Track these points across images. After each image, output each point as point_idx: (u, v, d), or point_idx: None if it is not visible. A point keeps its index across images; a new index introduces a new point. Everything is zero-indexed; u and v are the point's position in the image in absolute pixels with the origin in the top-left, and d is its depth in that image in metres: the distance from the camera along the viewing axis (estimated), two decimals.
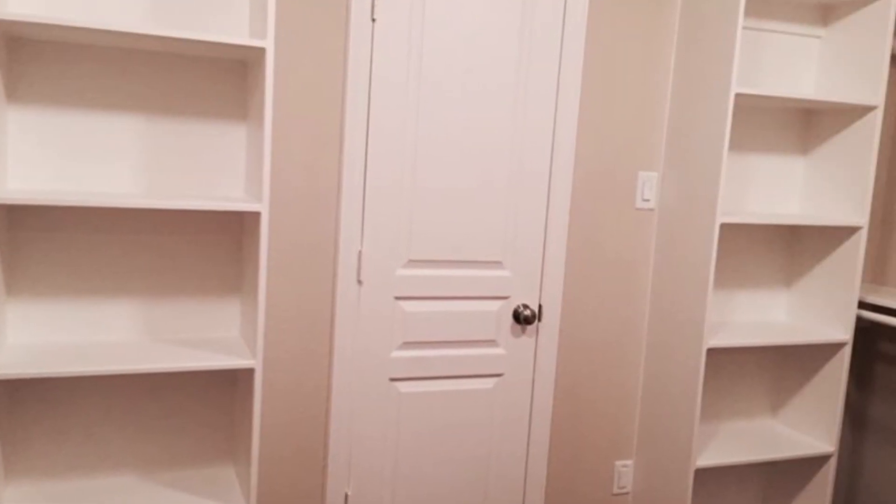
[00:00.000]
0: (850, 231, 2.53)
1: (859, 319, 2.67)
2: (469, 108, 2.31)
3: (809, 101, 2.41)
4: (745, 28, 2.57)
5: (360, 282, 2.26)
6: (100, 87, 1.94)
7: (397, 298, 2.31)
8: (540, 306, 2.49)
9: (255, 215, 1.91)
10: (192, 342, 2.04)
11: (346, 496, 2.33)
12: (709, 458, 2.45)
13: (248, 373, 1.96)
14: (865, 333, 2.86)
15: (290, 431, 2.26)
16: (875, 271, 2.93)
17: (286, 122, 2.14)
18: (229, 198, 1.99)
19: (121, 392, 2.06)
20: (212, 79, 2.04)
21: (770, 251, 2.74)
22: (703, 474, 2.77)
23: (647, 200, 2.59)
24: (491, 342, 2.44)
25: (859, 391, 2.89)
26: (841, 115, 2.57)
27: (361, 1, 2.15)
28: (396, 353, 2.34)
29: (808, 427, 2.69)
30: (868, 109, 2.46)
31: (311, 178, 2.19)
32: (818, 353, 2.65)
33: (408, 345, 2.34)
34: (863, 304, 2.65)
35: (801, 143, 2.72)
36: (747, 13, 2.56)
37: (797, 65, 2.65)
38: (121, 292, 2.02)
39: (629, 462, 2.71)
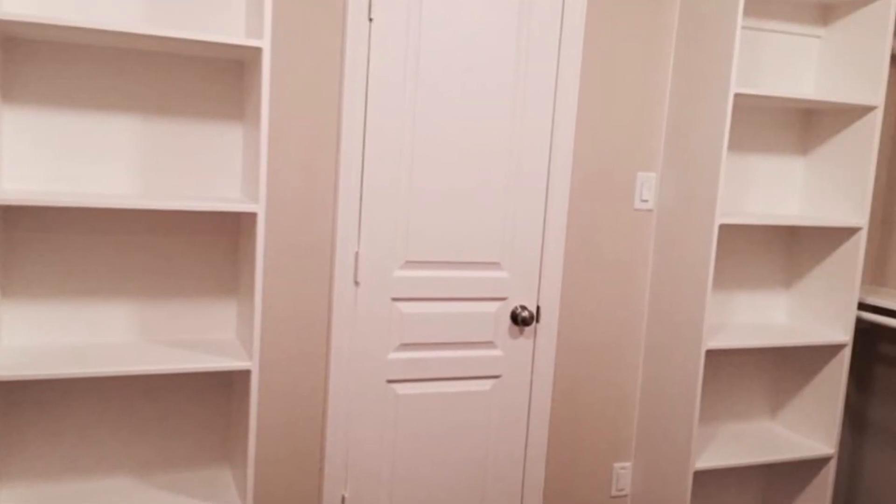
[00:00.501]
0: (850, 232, 2.52)
1: (859, 321, 2.66)
2: (467, 108, 2.30)
3: (809, 102, 2.41)
4: (744, 28, 2.56)
5: (356, 283, 2.25)
6: (96, 87, 1.93)
7: (394, 300, 2.30)
8: (538, 307, 2.48)
9: (252, 216, 1.90)
10: (188, 344, 2.03)
11: (343, 498, 2.32)
12: (708, 460, 2.44)
13: (245, 374, 1.95)
14: (865, 335, 2.85)
15: (287, 433, 2.25)
16: (875, 272, 2.92)
17: (283, 122, 2.14)
18: (226, 198, 1.98)
19: (116, 394, 2.05)
20: (208, 79, 2.03)
21: (769, 252, 2.73)
22: (701, 476, 2.76)
23: (646, 201, 2.58)
24: (489, 344, 2.44)
25: (859, 393, 2.88)
26: (841, 116, 2.56)
27: (358, 0, 2.14)
28: (393, 355, 2.33)
29: (807, 429, 2.67)
30: (868, 109, 2.45)
31: (307, 178, 2.18)
32: (818, 355, 2.64)
33: (405, 346, 2.33)
34: (862, 306, 2.64)
35: (801, 144, 2.71)
36: (747, 13, 2.55)
37: (797, 65, 2.64)
38: (116, 293, 2.01)
39: (627, 464, 2.70)
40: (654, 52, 2.53)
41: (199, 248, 2.08)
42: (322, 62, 2.15)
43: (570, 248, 2.51)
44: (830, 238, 2.60)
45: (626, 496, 2.72)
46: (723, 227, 2.66)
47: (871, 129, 2.44)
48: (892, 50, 2.51)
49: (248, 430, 1.90)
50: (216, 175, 2.07)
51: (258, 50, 1.81)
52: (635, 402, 2.69)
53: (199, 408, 2.14)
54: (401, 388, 2.35)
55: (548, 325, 2.49)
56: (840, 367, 2.55)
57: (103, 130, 1.95)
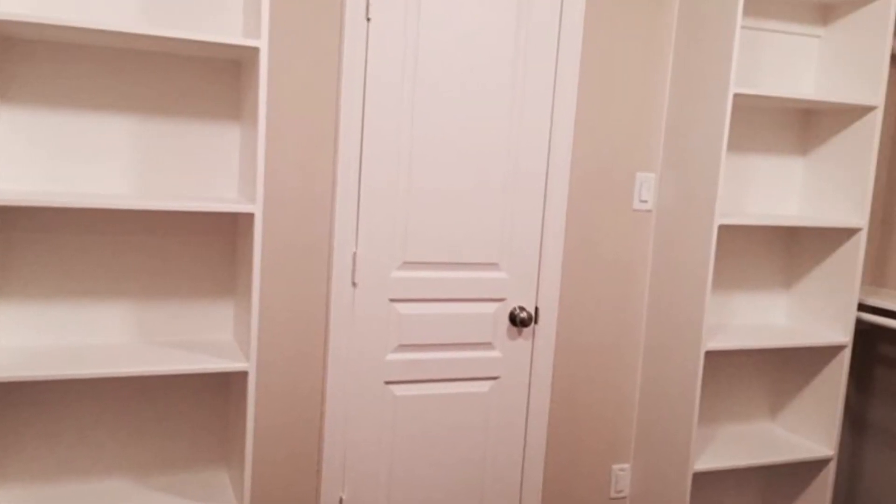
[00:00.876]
0: (850, 232, 2.51)
1: (859, 322, 2.65)
2: (465, 108, 2.30)
3: (809, 102, 2.40)
4: (743, 27, 2.55)
5: (354, 284, 2.25)
6: (92, 87, 1.92)
7: (392, 300, 2.30)
8: (536, 308, 2.47)
9: (249, 216, 1.89)
10: (185, 345, 2.03)
11: (341, 500, 2.32)
12: (707, 461, 2.43)
13: (242, 376, 1.95)
14: (865, 336, 2.84)
15: (284, 435, 2.25)
16: (875, 273, 2.91)
17: (280, 122, 2.13)
18: (223, 199, 1.98)
19: (113, 395, 2.04)
20: (205, 79, 2.02)
21: (769, 253, 2.72)
22: (701, 478, 2.75)
23: (645, 202, 2.57)
24: (487, 345, 2.43)
25: (859, 394, 2.87)
26: (840, 116, 2.55)
27: (356, 0, 2.13)
28: (391, 356, 2.32)
29: (807, 430, 2.67)
30: (868, 109, 2.44)
31: (305, 178, 2.17)
32: (817, 356, 2.63)
33: (403, 347, 2.33)
34: (862, 307, 2.63)
35: (801, 144, 2.70)
36: (746, 12, 2.54)
37: (796, 65, 2.63)
38: (113, 294, 2.01)
39: (626, 466, 2.69)
40: (654, 52, 2.52)
41: (196, 248, 2.07)
42: (320, 62, 2.15)
43: (569, 248, 2.50)
44: (830, 239, 2.59)
45: (624, 498, 2.71)
46: (722, 228, 2.65)
47: (870, 130, 2.43)
48: (892, 50, 2.50)
49: (246, 432, 1.90)
50: (213, 175, 2.06)
51: (255, 50, 1.80)
52: (634, 403, 2.68)
53: (197, 409, 2.13)
54: (399, 390, 2.35)
55: (546, 326, 2.49)
56: (840, 369, 2.55)
57: (100, 130, 1.95)
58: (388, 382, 2.33)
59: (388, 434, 2.35)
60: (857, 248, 2.48)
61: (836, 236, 2.56)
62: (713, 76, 2.30)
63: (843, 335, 2.53)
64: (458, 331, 2.37)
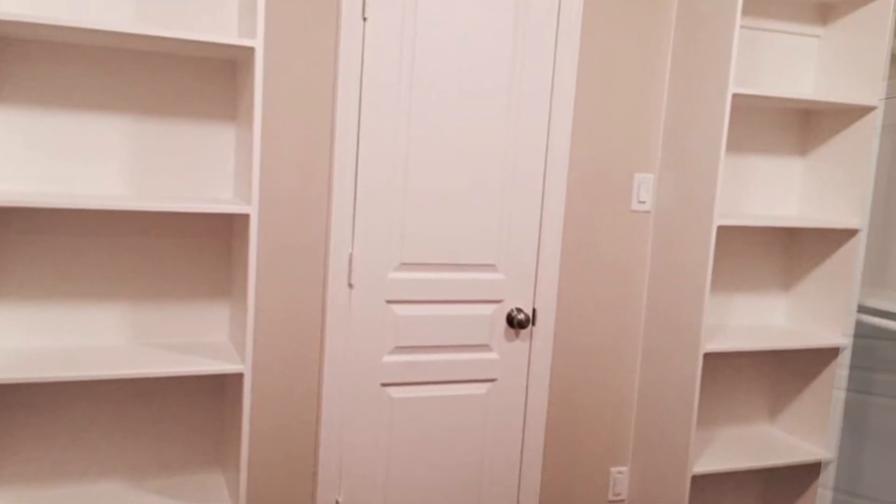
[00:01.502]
0: (849, 233, 2.50)
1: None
2: (462, 108, 2.29)
3: (808, 102, 2.39)
4: (742, 27, 2.55)
5: (351, 285, 2.24)
6: (87, 87, 1.92)
7: (389, 302, 2.29)
8: (534, 310, 2.46)
9: (245, 217, 1.88)
10: (180, 346, 2.02)
11: (337, 503, 2.31)
12: (705, 464, 2.42)
13: (238, 378, 1.94)
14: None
15: (280, 437, 2.24)
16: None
17: (276, 122, 2.12)
18: (218, 200, 1.97)
19: (108, 397, 2.03)
20: (201, 79, 2.01)
21: (768, 254, 2.71)
22: (699, 481, 2.74)
23: (643, 202, 2.56)
24: (484, 346, 2.42)
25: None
26: (840, 116, 2.54)
27: None
28: (388, 358, 2.31)
29: (806, 433, 2.66)
30: (867, 110, 2.44)
31: (301, 179, 2.16)
32: (817, 358, 2.63)
33: (400, 349, 2.32)
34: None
35: (800, 144, 2.69)
36: (745, 12, 2.54)
37: (796, 65, 2.62)
38: (108, 296, 2.00)
39: (625, 468, 2.68)
40: (652, 52, 2.51)
41: (191, 249, 2.06)
42: (316, 62, 2.14)
43: (567, 249, 2.49)
44: (829, 240, 2.58)
45: (622, 500, 2.70)
46: (721, 229, 2.64)
47: (870, 130, 2.42)
48: (892, 50, 2.49)
49: (241, 434, 1.89)
50: (209, 176, 2.05)
51: (251, 50, 1.80)
52: (633, 405, 2.67)
53: (192, 411, 2.12)
54: (395, 392, 2.33)
55: (544, 327, 2.48)
56: (839, 371, 2.53)
57: (95, 131, 1.94)
58: (384, 384, 2.32)
59: (384, 436, 2.34)
60: (856, 249, 2.48)
61: (836, 237, 2.55)
62: (712, 76, 2.29)
63: (842, 337, 2.52)
64: (455, 332, 2.36)
